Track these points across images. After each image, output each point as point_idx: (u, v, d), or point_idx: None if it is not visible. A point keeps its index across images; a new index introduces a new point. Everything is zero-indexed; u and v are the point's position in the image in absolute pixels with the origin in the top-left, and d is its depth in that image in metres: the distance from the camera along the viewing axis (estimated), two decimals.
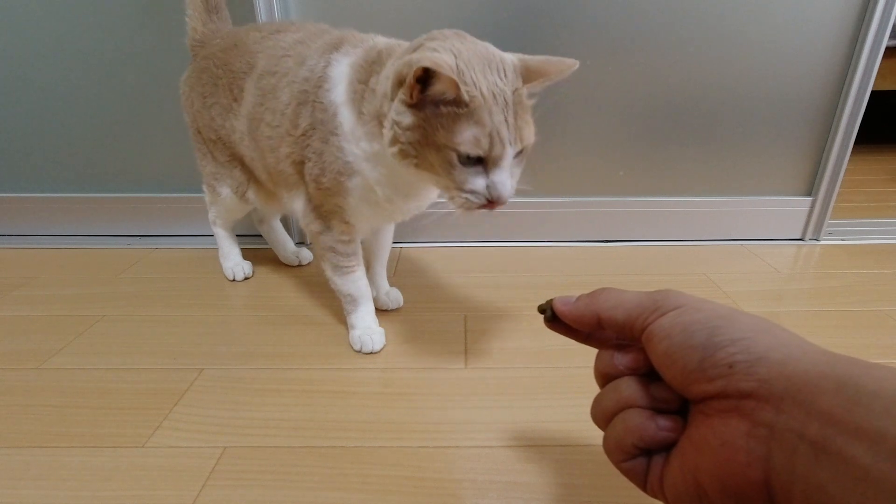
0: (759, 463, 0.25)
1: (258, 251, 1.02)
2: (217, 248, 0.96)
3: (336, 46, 0.63)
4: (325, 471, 0.51)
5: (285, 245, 1.00)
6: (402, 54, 0.52)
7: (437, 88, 0.47)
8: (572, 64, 0.51)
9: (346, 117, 0.59)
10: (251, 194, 0.84)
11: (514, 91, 0.49)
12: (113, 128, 1.04)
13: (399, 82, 0.50)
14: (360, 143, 0.59)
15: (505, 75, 0.49)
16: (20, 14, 0.96)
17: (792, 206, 1.07)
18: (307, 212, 0.69)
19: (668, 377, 0.30)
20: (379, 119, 0.55)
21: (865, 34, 0.92)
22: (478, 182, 0.51)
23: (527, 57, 0.52)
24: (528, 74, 0.51)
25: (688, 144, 1.03)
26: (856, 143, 1.00)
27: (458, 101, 0.47)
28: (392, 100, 0.51)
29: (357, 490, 0.49)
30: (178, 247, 1.07)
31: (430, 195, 0.67)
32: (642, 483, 0.32)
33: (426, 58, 0.46)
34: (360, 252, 0.72)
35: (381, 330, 0.73)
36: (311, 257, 1.01)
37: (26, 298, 0.87)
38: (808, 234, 1.09)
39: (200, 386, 0.64)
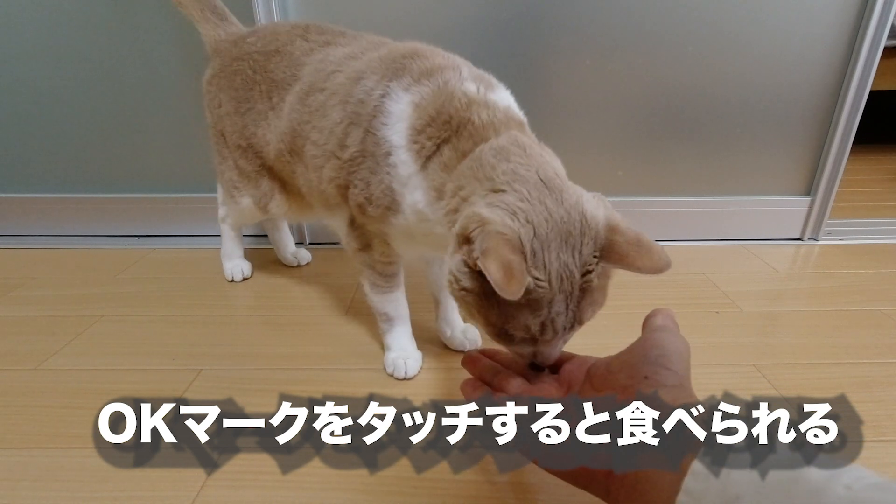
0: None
1: (257, 251, 1.02)
2: (217, 248, 0.95)
3: (396, 73, 0.58)
4: (325, 471, 0.51)
5: (287, 246, 1.00)
6: (478, 173, 0.48)
7: None
8: (664, 264, 0.41)
9: (403, 162, 0.55)
10: (274, 205, 0.80)
11: (585, 274, 0.43)
12: (112, 128, 1.04)
13: (465, 239, 0.43)
14: (415, 194, 0.55)
15: (580, 252, 0.42)
16: (20, 15, 0.96)
17: (791, 205, 1.07)
18: (349, 232, 0.66)
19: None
20: (440, 194, 0.52)
21: (864, 34, 0.92)
22: (525, 349, 0.48)
23: (619, 228, 0.43)
24: (608, 254, 0.43)
25: (687, 144, 1.03)
26: (854, 142, 1.00)
27: None
28: (457, 246, 0.45)
29: (357, 490, 0.49)
30: (177, 247, 1.07)
31: None
32: None
33: (497, 245, 0.40)
34: (402, 273, 0.68)
35: (419, 354, 0.67)
36: (310, 258, 1.01)
37: (25, 298, 0.86)
38: (807, 234, 1.09)
39: (199, 386, 0.64)
